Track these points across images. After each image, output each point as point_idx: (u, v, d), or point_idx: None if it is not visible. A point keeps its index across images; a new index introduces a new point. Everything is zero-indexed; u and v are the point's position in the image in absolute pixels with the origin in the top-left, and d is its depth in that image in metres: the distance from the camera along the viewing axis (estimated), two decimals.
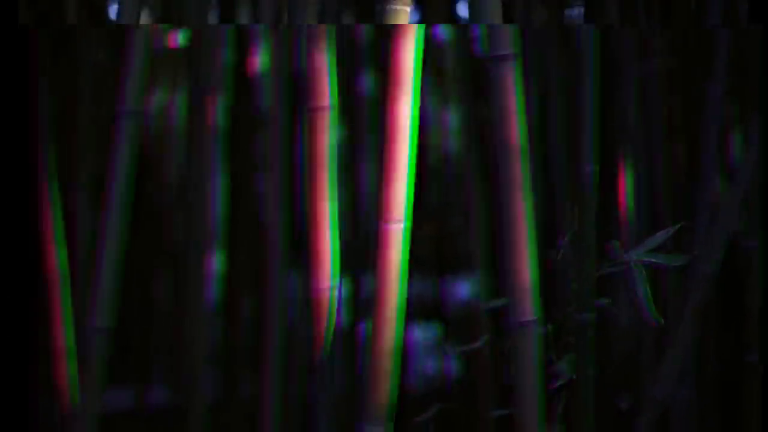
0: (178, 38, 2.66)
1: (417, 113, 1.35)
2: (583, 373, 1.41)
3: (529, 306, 1.32)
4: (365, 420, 1.33)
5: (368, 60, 2.71)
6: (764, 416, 1.63)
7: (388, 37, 1.32)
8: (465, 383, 2.31)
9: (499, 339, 1.50)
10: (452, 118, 2.89)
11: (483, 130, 2.14)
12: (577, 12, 1.34)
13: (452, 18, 2.32)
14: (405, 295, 1.33)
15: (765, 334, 1.54)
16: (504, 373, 1.42)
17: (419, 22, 2.66)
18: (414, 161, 1.33)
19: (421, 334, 2.59)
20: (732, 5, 1.72)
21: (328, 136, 1.35)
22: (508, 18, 1.68)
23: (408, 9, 1.30)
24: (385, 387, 1.32)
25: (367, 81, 2.78)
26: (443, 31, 2.77)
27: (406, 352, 2.49)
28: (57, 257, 1.55)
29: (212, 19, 2.16)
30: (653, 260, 1.36)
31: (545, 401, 1.36)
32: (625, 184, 1.80)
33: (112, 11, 2.21)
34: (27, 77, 1.48)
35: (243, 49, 2.19)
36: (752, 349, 1.71)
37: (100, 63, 1.94)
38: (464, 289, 2.92)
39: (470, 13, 1.32)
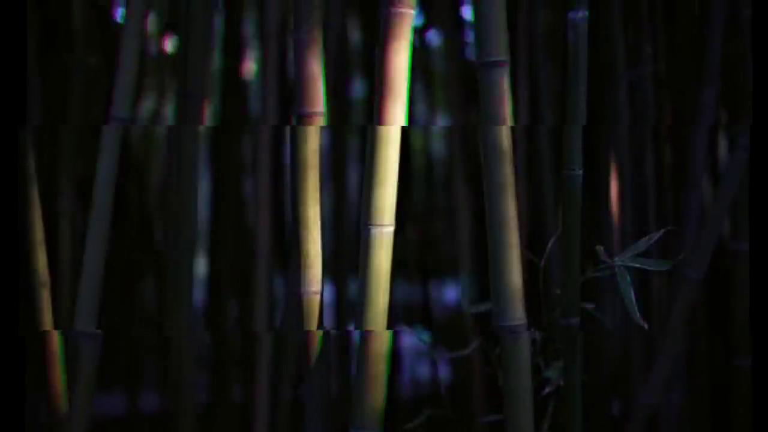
0: (169, 43, 2.65)
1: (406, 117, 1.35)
2: (570, 378, 1.41)
3: (517, 310, 1.32)
4: (356, 425, 1.32)
5: (359, 64, 2.72)
6: (755, 420, 1.62)
7: (380, 41, 1.31)
8: (456, 389, 2.31)
9: (488, 343, 1.49)
10: (439, 121, 2.89)
11: (469, 134, 2.13)
12: (581, 15, 1.33)
13: (456, 21, 2.32)
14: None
15: (755, 338, 1.54)
16: (495, 378, 1.41)
17: (423, 25, 2.66)
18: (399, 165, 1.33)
19: (410, 339, 2.59)
20: (735, 9, 1.72)
21: (318, 141, 1.35)
22: (511, 22, 1.68)
23: (412, 12, 1.30)
24: (377, 392, 1.32)
25: (359, 85, 2.78)
26: (435, 35, 2.76)
27: (396, 358, 2.49)
28: (43, 261, 1.55)
29: (218, 22, 2.16)
30: (639, 265, 1.36)
31: (536, 407, 1.35)
32: (613, 188, 1.79)
33: (118, 14, 2.21)
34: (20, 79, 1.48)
35: (233, 54, 2.19)
36: (741, 353, 1.71)
37: (90, 66, 1.94)
38: (451, 293, 2.92)
39: (474, 17, 1.31)
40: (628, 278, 1.35)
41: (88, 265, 1.44)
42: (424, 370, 2.80)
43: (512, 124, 1.31)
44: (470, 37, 2.30)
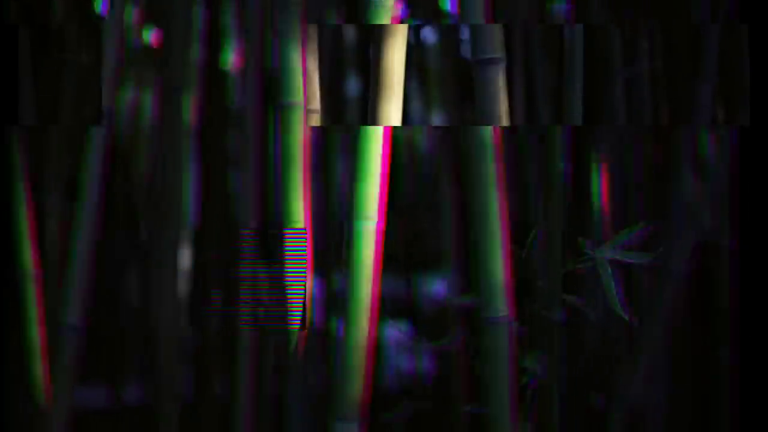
0: (152, 35, 2.65)
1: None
2: (552, 371, 1.41)
3: (499, 302, 1.33)
4: (337, 418, 1.33)
5: (353, 61, 2.71)
6: (738, 415, 1.64)
7: (373, 37, 1.32)
8: (437, 380, 2.31)
9: (471, 336, 1.50)
10: (434, 119, 2.89)
11: (455, 128, 2.14)
12: (565, 9, 1.34)
13: (440, 14, 2.32)
14: (377, 293, 1.34)
15: (739, 333, 1.55)
16: (476, 369, 1.42)
17: (405, 17, 2.66)
18: (386, 159, 1.34)
19: (393, 332, 2.60)
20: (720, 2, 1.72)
21: (301, 133, 1.35)
22: (496, 16, 1.68)
23: (392, 2, 1.30)
24: (357, 385, 1.32)
25: (352, 82, 2.78)
26: (429, 31, 2.76)
27: (378, 350, 2.49)
28: (29, 255, 1.55)
29: (198, 15, 2.16)
30: (620, 257, 1.37)
31: (516, 398, 1.36)
32: (598, 182, 1.80)
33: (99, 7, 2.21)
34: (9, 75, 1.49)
35: (215, 46, 2.19)
36: (725, 347, 1.71)
37: (75, 60, 1.94)
38: (436, 286, 2.92)
39: (459, 11, 1.32)
40: (609, 270, 1.36)
41: (75, 259, 1.45)
42: (407, 362, 2.81)
43: (508, 123, 1.32)
44: (465, 34, 2.30)
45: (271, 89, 1.47)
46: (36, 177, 1.66)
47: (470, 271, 1.34)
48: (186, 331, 2.22)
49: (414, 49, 2.59)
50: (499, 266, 1.32)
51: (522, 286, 1.51)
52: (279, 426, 1.76)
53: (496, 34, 1.31)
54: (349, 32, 2.64)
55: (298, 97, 1.35)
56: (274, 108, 1.36)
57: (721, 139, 1.62)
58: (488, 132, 1.30)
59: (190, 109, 1.59)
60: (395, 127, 2.20)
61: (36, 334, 1.55)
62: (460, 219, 2.03)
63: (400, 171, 2.81)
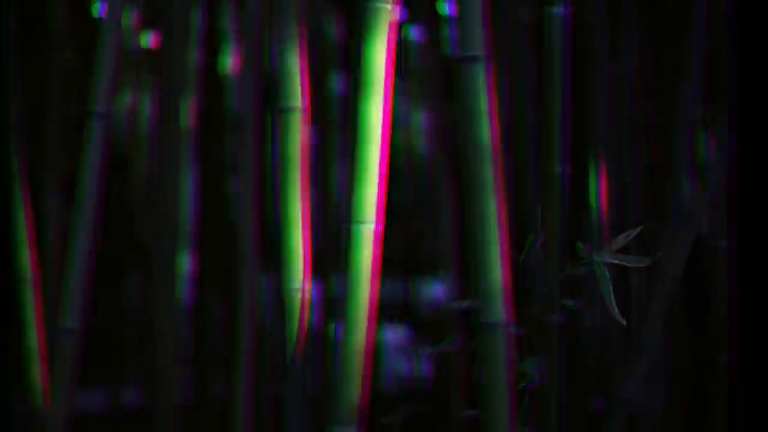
0: (151, 39, 2.65)
1: (388, 113, 1.36)
2: (549, 375, 1.42)
3: (498, 307, 1.33)
4: (335, 421, 1.33)
5: (340, 60, 2.71)
6: (733, 417, 1.64)
7: (360, 36, 1.32)
8: (436, 384, 2.31)
9: (470, 340, 1.50)
10: (422, 118, 2.89)
11: (452, 131, 2.14)
12: (561, 10, 1.34)
13: (437, 17, 2.32)
14: (375, 297, 1.34)
15: (734, 335, 1.55)
16: (475, 373, 1.42)
17: (403, 20, 2.66)
18: (384, 162, 1.34)
19: (392, 335, 2.60)
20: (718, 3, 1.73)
21: (300, 137, 1.35)
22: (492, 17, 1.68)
23: (390, 7, 1.31)
24: (356, 388, 1.33)
25: (340, 81, 2.78)
26: (417, 30, 2.77)
27: (377, 354, 2.49)
28: (28, 258, 1.55)
29: (196, 18, 2.16)
30: (618, 261, 1.37)
31: (515, 403, 1.36)
32: (595, 185, 1.80)
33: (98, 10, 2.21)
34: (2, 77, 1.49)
35: (214, 50, 2.19)
36: (721, 350, 1.72)
37: (70, 62, 1.94)
38: (434, 290, 2.93)
39: (455, 12, 1.32)
40: (607, 274, 1.36)
41: (73, 263, 1.45)
42: (406, 366, 2.81)
43: (489, 120, 1.32)
44: (451, 32, 2.31)
45: (270, 93, 1.47)
46: (34, 178, 1.66)
47: (469, 275, 1.33)
48: (185, 334, 2.23)
49: (400, 47, 2.59)
50: (497, 270, 1.32)
51: (521, 291, 1.51)
52: (278, 429, 1.76)
53: (477, 31, 1.31)
54: (335, 30, 2.64)
55: (299, 101, 1.36)
56: (273, 112, 1.37)
57: (718, 141, 1.61)
58: (486, 134, 1.31)
59: (188, 112, 1.59)
60: (393, 130, 2.19)
61: (35, 337, 1.55)
62: (458, 222, 2.03)
63: (398, 174, 2.82)
